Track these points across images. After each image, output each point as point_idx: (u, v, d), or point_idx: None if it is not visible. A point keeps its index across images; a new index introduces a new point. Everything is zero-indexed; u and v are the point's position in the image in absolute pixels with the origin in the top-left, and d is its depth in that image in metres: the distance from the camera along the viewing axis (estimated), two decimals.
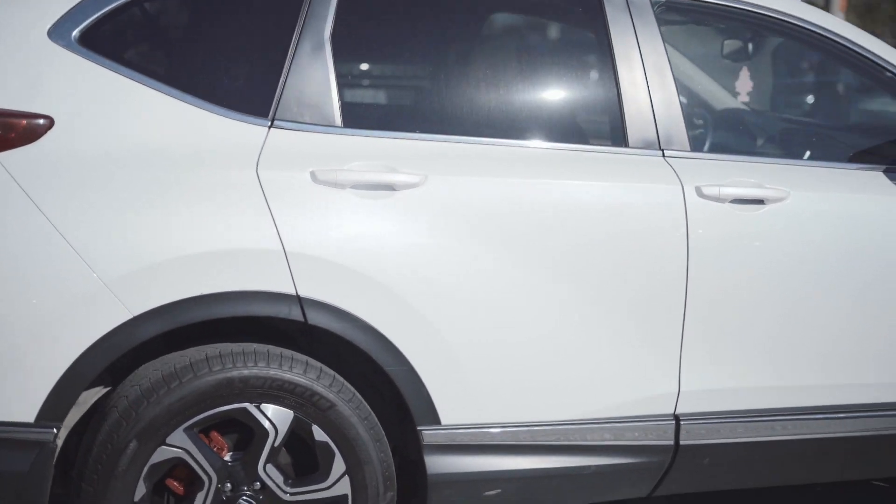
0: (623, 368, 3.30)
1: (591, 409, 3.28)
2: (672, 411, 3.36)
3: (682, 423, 3.37)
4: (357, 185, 3.03)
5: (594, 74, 3.45)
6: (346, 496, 3.05)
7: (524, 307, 3.18)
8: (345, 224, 3.01)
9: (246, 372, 2.92)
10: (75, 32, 2.94)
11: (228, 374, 2.90)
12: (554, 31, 3.73)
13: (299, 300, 2.96)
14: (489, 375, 3.17)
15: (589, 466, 3.31)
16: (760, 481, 3.65)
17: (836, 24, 3.70)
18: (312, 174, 3.00)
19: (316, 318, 2.98)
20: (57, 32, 2.93)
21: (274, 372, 2.94)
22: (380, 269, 3.02)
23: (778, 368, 3.47)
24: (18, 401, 2.82)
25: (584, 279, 3.22)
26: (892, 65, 3.67)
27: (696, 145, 3.48)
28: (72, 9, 2.96)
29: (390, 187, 3.06)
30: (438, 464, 3.15)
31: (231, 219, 2.93)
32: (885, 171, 3.60)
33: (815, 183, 3.52)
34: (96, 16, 2.97)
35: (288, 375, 2.95)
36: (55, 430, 2.84)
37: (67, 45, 2.92)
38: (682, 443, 3.37)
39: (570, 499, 3.40)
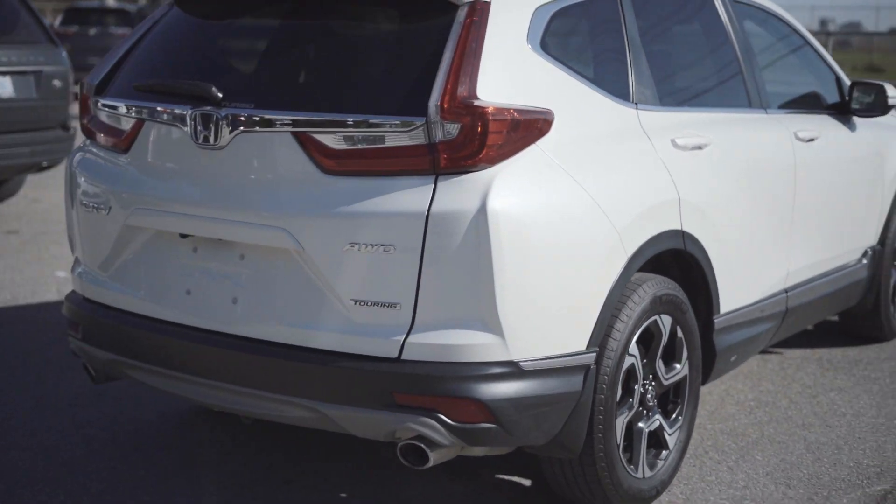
0: (777, 259, 4.79)
1: (769, 289, 4.73)
2: (784, 287, 4.92)
3: (788, 294, 4.94)
4: (692, 147, 4.15)
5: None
6: (685, 376, 4.18)
7: (749, 219, 4.52)
8: (690, 174, 4.11)
9: (662, 292, 3.93)
10: (538, 40, 3.67)
11: (658, 293, 3.89)
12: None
13: (682, 234, 4.03)
14: (739, 272, 4.47)
15: (765, 331, 4.77)
16: (805, 325, 5.35)
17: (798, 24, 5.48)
18: (672, 141, 4.06)
19: (689, 247, 4.06)
20: (530, 41, 3.64)
21: (672, 291, 3.98)
22: (705, 203, 4.16)
23: (817, 247, 5.19)
24: (575, 335, 3.59)
25: (765, 197, 4.64)
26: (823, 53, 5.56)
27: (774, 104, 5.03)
28: (532, 21, 3.67)
29: (700, 147, 4.21)
30: (720, 341, 4.39)
31: (655, 178, 3.91)
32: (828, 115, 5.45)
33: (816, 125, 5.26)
34: (544, 26, 3.71)
35: (676, 292, 4.01)
36: (595, 354, 3.64)
37: (538, 52, 3.65)
38: (788, 307, 4.95)
39: (749, 356, 4.81)
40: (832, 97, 5.57)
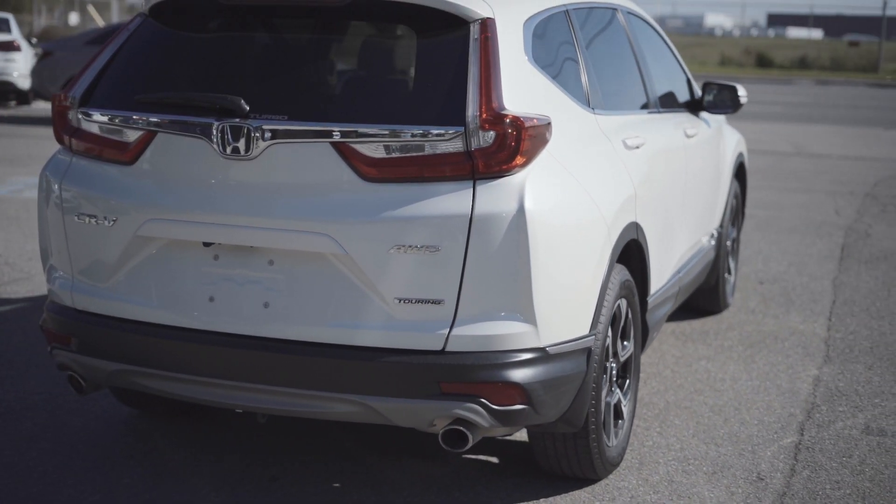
0: (676, 244, 5.34)
1: (672, 270, 5.30)
2: (678, 269, 5.48)
3: (680, 275, 5.51)
4: (636, 147, 4.61)
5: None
6: (632, 353, 4.64)
7: (666, 210, 5.04)
8: (638, 170, 4.57)
9: (624, 278, 4.35)
10: (530, 52, 4.01)
11: (622, 280, 4.32)
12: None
13: (636, 226, 4.48)
14: (662, 257, 4.98)
15: (669, 309, 5.31)
16: (679, 304, 5.93)
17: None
18: (624, 142, 4.51)
19: (639, 236, 4.52)
20: (526, 53, 3.98)
21: (629, 277, 4.42)
22: (646, 196, 4.63)
23: (692, 232, 5.80)
24: (582, 320, 3.96)
25: (673, 189, 5.18)
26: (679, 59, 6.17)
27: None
28: (523, 35, 4.01)
29: (639, 147, 4.68)
30: (650, 320, 4.88)
31: (620, 175, 4.35)
32: (686, 111, 6.06)
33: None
34: (531, 40, 4.06)
35: (630, 278, 4.45)
36: (593, 337, 4.02)
37: (532, 63, 4.00)
38: (680, 287, 5.53)
39: (658, 334, 5.34)
40: (684, 95, 6.19)
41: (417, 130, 3.63)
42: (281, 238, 3.73)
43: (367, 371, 3.68)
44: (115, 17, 44.17)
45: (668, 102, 5.75)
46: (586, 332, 3.97)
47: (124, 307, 3.96)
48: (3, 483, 4.24)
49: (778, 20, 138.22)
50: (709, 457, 4.67)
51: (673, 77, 6.07)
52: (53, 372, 5.45)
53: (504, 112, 3.65)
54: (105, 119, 3.98)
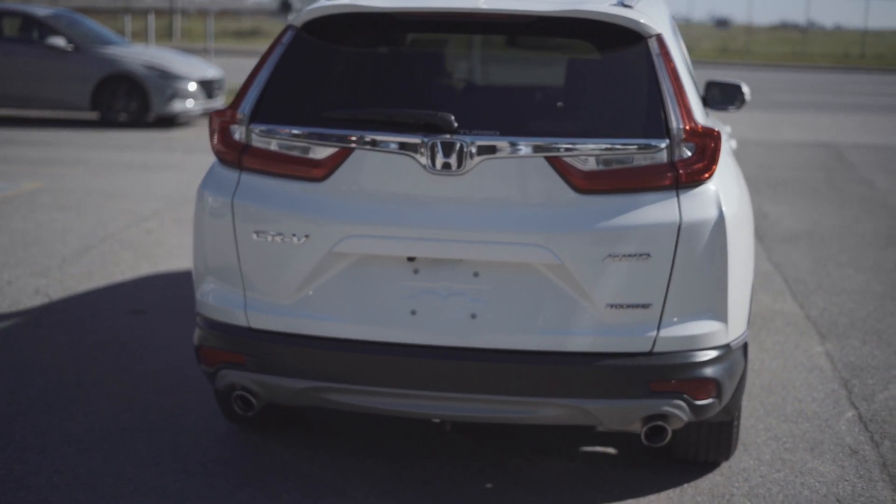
0: None
1: None
2: None
3: None
4: (734, 149, 4.92)
5: None
6: None
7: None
8: (738, 167, 4.89)
9: None
10: (686, 63, 4.26)
11: None
12: None
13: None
14: None
15: None
16: None
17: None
18: (730, 143, 4.81)
19: None
20: (685, 64, 4.23)
21: None
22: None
23: None
24: (745, 316, 4.22)
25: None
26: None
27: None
28: (677, 48, 4.24)
29: (735, 149, 5.00)
30: None
31: (740, 176, 4.65)
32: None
33: None
34: (682, 51, 4.30)
35: None
36: (748, 330, 4.30)
37: (689, 73, 4.25)
38: None
39: None
40: None
41: (627, 144, 3.81)
42: (491, 250, 3.83)
43: (581, 375, 3.84)
44: None
45: None
46: (746, 326, 4.25)
47: (313, 324, 3.95)
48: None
49: None
50: (796, 434, 5.04)
51: None
52: (115, 389, 5.32)
53: (699, 125, 3.88)
54: (290, 135, 3.95)
